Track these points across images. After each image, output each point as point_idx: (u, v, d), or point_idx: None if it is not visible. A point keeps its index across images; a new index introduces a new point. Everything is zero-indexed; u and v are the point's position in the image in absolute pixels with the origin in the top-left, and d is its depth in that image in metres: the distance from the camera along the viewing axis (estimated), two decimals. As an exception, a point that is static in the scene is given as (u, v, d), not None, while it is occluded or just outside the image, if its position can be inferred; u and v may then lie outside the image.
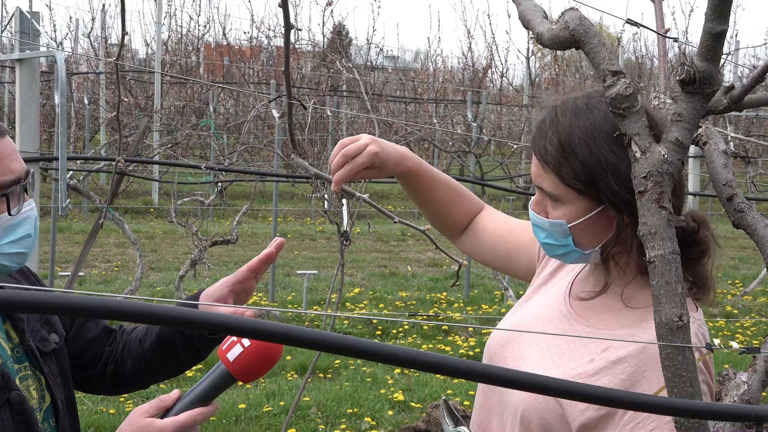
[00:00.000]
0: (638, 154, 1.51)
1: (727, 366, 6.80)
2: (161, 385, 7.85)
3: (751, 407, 1.42)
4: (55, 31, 24.14)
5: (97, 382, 2.54)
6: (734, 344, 1.50)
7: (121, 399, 7.57)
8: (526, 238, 2.44)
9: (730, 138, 12.81)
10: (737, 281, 13.55)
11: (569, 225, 2.03)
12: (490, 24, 51.35)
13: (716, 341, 1.53)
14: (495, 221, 2.53)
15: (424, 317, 10.49)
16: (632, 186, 1.91)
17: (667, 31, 2.18)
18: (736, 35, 23.39)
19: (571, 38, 1.58)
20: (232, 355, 2.01)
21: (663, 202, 1.49)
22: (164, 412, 2.06)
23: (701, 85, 1.49)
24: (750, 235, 1.75)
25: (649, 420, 1.92)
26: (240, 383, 2.09)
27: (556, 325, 2.13)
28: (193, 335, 2.44)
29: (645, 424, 1.92)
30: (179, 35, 25.50)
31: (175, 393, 2.09)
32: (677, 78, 1.50)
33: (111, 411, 7.25)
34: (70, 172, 9.21)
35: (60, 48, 18.93)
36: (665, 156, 1.50)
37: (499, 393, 2.18)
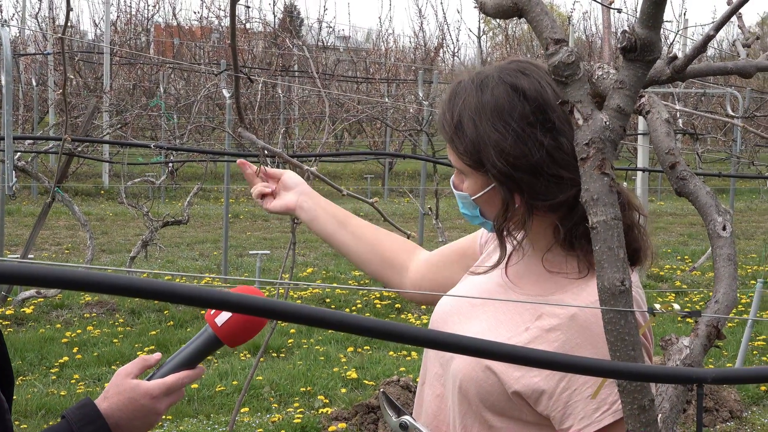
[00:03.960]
0: (580, 122, 1.53)
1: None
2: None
3: (692, 370, 1.44)
4: (0, 12, 23.80)
5: None
6: (676, 306, 1.52)
7: (72, 381, 7.53)
8: (465, 239, 2.47)
9: (678, 115, 12.93)
10: (686, 257, 13.68)
11: (472, 198, 2.10)
12: (442, 3, 51.45)
13: (657, 306, 1.55)
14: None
15: (376, 291, 10.51)
16: (517, 163, 1.96)
17: (611, 2, 2.19)
18: (684, 14, 23.60)
19: (514, 7, 1.59)
20: (220, 320, 2.02)
21: (605, 168, 1.51)
22: (150, 375, 2.07)
23: (642, 53, 1.50)
24: (692, 203, 1.77)
25: (585, 386, 1.95)
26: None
27: (494, 297, 2.16)
28: None
29: (581, 390, 1.96)
30: (128, 15, 25.24)
31: (157, 355, 2.11)
32: (619, 45, 1.52)
33: (62, 393, 7.20)
34: (18, 153, 9.11)
35: (5, 26, 18.66)
36: (607, 123, 1.51)
37: (440, 365, 2.20)
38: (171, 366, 2.06)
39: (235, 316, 2.02)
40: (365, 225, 2.55)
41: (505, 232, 2.07)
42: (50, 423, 6.59)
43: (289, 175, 2.55)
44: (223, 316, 2.02)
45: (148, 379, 2.05)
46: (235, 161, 11.44)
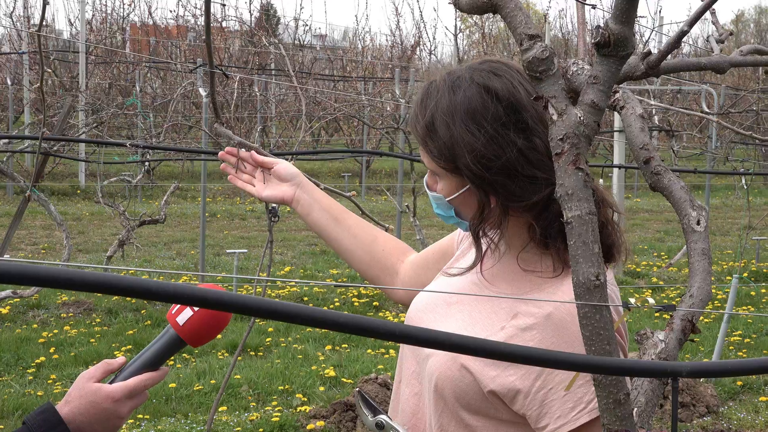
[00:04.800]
0: (555, 117, 1.53)
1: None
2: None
3: (667, 363, 1.44)
4: (-25, 11, 23.64)
5: None
6: (650, 300, 1.53)
7: (49, 381, 7.49)
8: (446, 239, 2.47)
9: (654, 111, 12.98)
10: (663, 253, 13.75)
11: (447, 199, 2.10)
12: (418, 1, 51.46)
13: (632, 300, 1.56)
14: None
15: (355, 289, 10.51)
16: (492, 165, 1.96)
17: (585, -2, 2.20)
18: (660, 11, 23.67)
19: (488, 2, 1.59)
20: (181, 319, 2.00)
21: (579, 163, 1.51)
22: (112, 378, 2.04)
23: (616, 48, 1.51)
24: (667, 197, 1.78)
25: (561, 385, 1.95)
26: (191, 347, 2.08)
27: (468, 295, 2.15)
28: None
29: (557, 389, 1.96)
30: (104, 14, 25.13)
31: (121, 359, 2.08)
32: (592, 41, 1.52)
33: (39, 393, 7.17)
34: (-7, 153, 9.05)
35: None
36: (581, 118, 1.51)
37: (416, 363, 2.20)
38: (133, 368, 2.03)
39: (197, 315, 2.00)
40: (361, 222, 2.53)
41: (480, 233, 2.07)
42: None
43: (284, 166, 2.51)
44: (185, 315, 2.00)
45: (111, 382, 2.02)
46: (211, 160, 11.44)
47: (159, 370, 2.05)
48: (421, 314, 2.23)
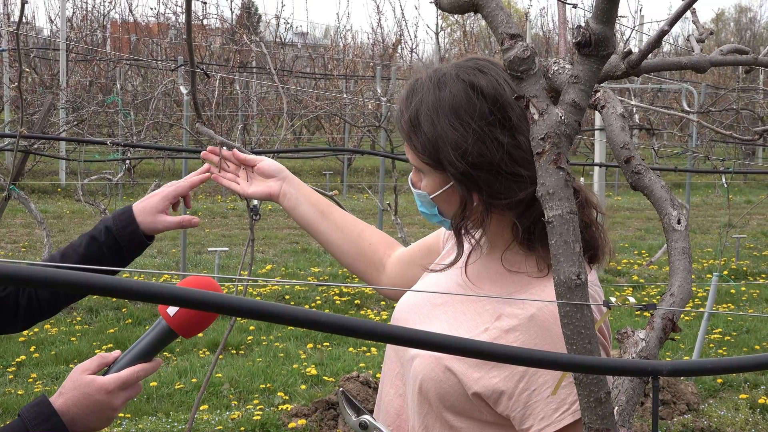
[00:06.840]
0: (536, 116, 1.53)
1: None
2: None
3: (648, 362, 1.45)
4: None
5: (9, 320, 2.44)
6: (631, 299, 1.53)
7: (29, 380, 7.46)
8: (432, 236, 2.47)
9: (635, 110, 13.02)
10: (643, 251, 13.79)
11: (430, 196, 2.10)
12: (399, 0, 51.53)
13: (613, 299, 1.56)
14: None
15: (336, 287, 10.50)
16: (476, 162, 1.96)
17: (566, -2, 2.20)
18: (640, 10, 23.74)
19: (470, 2, 1.59)
20: (172, 311, 2.02)
21: (561, 162, 1.51)
22: (106, 370, 2.05)
23: (597, 48, 1.51)
24: (647, 197, 1.78)
25: (545, 387, 1.96)
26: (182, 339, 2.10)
27: (453, 296, 2.16)
28: (123, 245, 2.43)
29: (541, 391, 1.96)
30: (84, 12, 25.04)
31: (116, 352, 2.09)
32: (573, 41, 1.52)
33: (19, 392, 7.14)
34: (-27, 151, 8.99)
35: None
36: (562, 117, 1.52)
37: (400, 364, 2.20)
38: (126, 360, 2.05)
39: None
40: (347, 216, 2.54)
41: (462, 231, 2.07)
42: (7, 422, 6.52)
43: (268, 162, 2.53)
44: (174, 307, 2.01)
45: (104, 374, 2.03)
46: (192, 158, 11.41)
47: (152, 361, 2.07)
48: (406, 314, 2.23)
